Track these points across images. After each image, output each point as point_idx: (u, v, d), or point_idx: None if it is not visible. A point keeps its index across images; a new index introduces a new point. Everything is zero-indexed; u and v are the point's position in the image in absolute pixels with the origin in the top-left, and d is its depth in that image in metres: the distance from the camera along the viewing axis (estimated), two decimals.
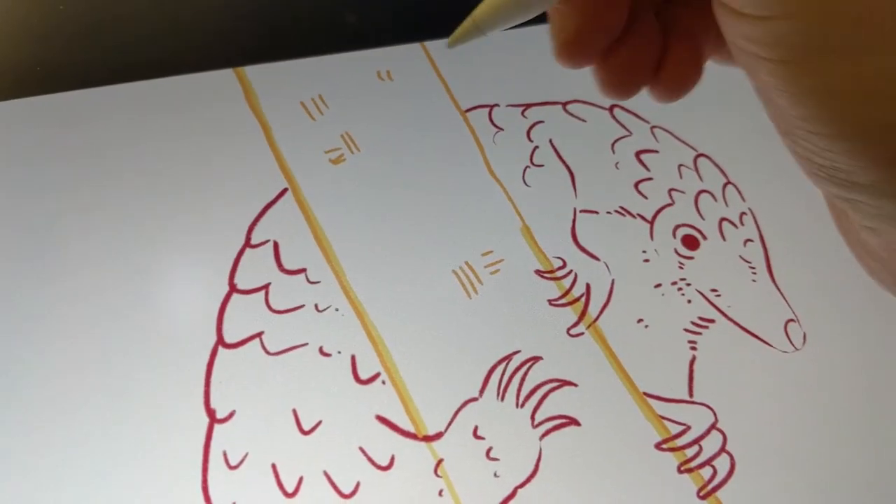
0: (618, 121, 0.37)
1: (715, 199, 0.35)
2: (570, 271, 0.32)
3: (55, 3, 0.36)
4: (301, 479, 0.26)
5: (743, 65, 0.16)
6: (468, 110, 0.36)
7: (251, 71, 0.34)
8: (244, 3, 0.37)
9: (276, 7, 0.37)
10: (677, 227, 0.34)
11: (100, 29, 0.35)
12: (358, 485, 0.26)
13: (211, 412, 0.27)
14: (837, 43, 0.14)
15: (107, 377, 0.27)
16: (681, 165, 0.36)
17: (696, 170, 0.36)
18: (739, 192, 0.36)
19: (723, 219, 0.35)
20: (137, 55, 0.34)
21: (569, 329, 0.31)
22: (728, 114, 0.38)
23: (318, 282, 0.30)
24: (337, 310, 0.29)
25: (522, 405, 0.29)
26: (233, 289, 0.29)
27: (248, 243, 0.30)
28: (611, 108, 0.37)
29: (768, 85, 0.16)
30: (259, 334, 0.28)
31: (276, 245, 0.30)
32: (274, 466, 0.26)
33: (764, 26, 0.15)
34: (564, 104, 0.37)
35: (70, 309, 0.28)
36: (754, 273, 0.34)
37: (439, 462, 0.27)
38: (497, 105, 0.36)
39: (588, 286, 0.32)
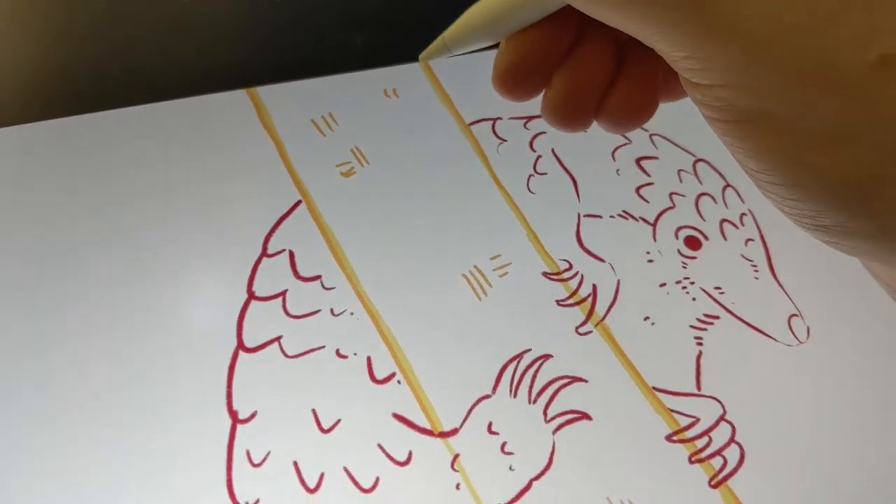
0: None
1: (715, 202, 0.37)
2: (577, 273, 0.33)
3: (71, 26, 0.37)
4: (322, 476, 0.27)
5: (708, 122, 0.17)
6: (472, 123, 0.37)
7: (264, 91, 0.36)
8: (257, 27, 0.39)
9: (287, 31, 0.39)
10: (679, 228, 0.35)
11: (114, 53, 0.37)
12: (377, 480, 0.27)
13: (233, 413, 0.28)
14: (772, 106, 0.15)
15: (132, 383, 0.28)
16: (680, 170, 0.37)
17: (696, 174, 0.37)
18: (739, 194, 0.37)
19: (723, 220, 0.36)
20: (151, 78, 0.36)
21: (577, 328, 0.32)
22: None
23: (332, 288, 0.31)
24: (352, 314, 0.30)
25: (535, 401, 0.30)
26: (251, 296, 0.30)
27: (264, 253, 0.31)
28: None
29: (726, 142, 0.17)
30: (278, 338, 0.29)
31: (291, 254, 0.31)
32: (295, 464, 0.27)
33: (711, 93, 0.16)
34: None
35: (100, 321, 0.29)
36: (756, 270, 0.35)
37: (456, 457, 0.28)
38: (500, 118, 0.37)
39: (594, 287, 0.33)
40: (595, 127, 0.39)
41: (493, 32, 0.19)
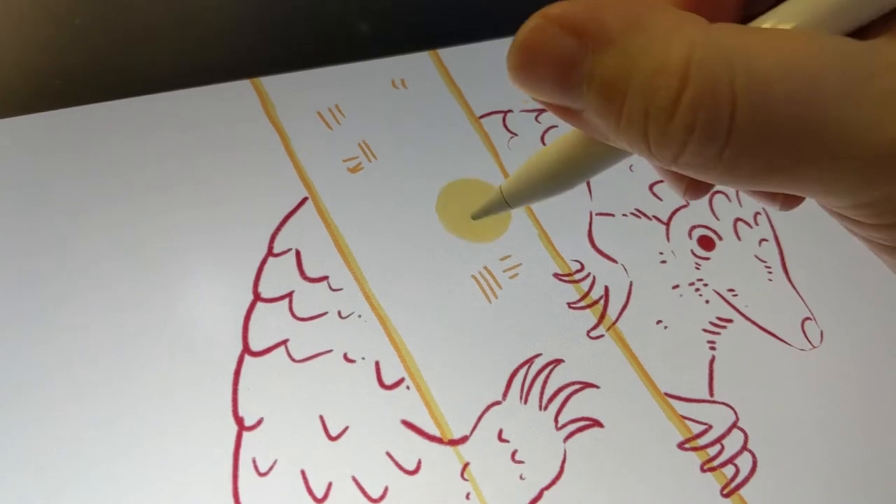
0: None
1: (729, 200, 0.36)
2: (589, 274, 0.33)
3: (71, 17, 0.36)
4: (330, 485, 0.26)
5: (864, 242, 0.17)
6: (482, 116, 0.36)
7: (269, 82, 0.34)
8: (260, 15, 0.38)
9: (292, 19, 0.38)
10: (693, 227, 0.35)
11: (117, 44, 0.35)
12: (386, 489, 0.27)
13: (239, 420, 0.27)
14: None
15: (137, 388, 0.27)
16: None
17: None
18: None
19: (737, 219, 0.35)
20: (154, 69, 0.35)
21: (589, 331, 0.31)
22: None
23: (340, 289, 0.30)
24: (360, 316, 0.30)
25: (546, 408, 0.29)
26: (257, 297, 0.29)
27: (270, 252, 0.30)
28: None
29: (891, 264, 0.17)
30: (284, 342, 0.29)
31: (297, 253, 0.30)
32: (303, 472, 0.26)
33: (884, 231, 0.15)
34: None
35: (99, 322, 0.28)
36: (770, 272, 0.34)
37: (465, 465, 0.27)
38: (511, 111, 0.36)
39: (606, 288, 0.32)
40: None
41: (562, 187, 0.17)
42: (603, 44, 0.14)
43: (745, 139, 0.14)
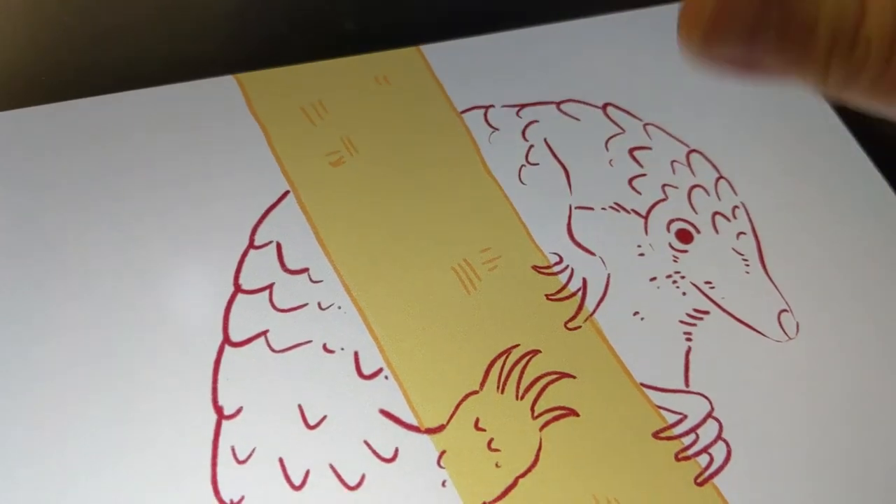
0: (611, 119, 0.38)
1: (707, 194, 0.36)
2: (567, 266, 0.33)
3: (59, 14, 0.36)
4: (308, 472, 0.27)
5: None
6: (464, 111, 0.36)
7: (251, 77, 0.35)
8: (244, 12, 0.38)
9: (274, 15, 0.38)
10: (671, 221, 0.35)
11: (102, 39, 0.36)
12: (363, 477, 0.27)
13: (219, 409, 0.27)
14: None
15: (116, 377, 0.27)
16: (673, 161, 0.37)
17: (689, 165, 0.37)
18: (731, 187, 0.37)
19: (715, 213, 0.36)
20: (139, 64, 0.35)
21: (566, 322, 0.32)
22: (720, 110, 0.39)
23: (320, 281, 0.31)
24: (339, 307, 0.30)
25: (522, 397, 0.30)
26: (238, 289, 0.30)
27: (251, 245, 0.31)
28: (604, 107, 0.38)
29: None
30: (264, 332, 0.29)
31: (278, 246, 0.31)
32: (281, 460, 0.27)
33: None
34: (558, 103, 0.38)
35: (78, 312, 0.28)
36: (747, 265, 0.35)
37: (442, 453, 0.28)
38: (492, 106, 0.37)
39: (584, 280, 0.33)
40: (589, 117, 0.38)
41: None
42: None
43: None
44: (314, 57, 0.36)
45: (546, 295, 0.32)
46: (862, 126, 0.40)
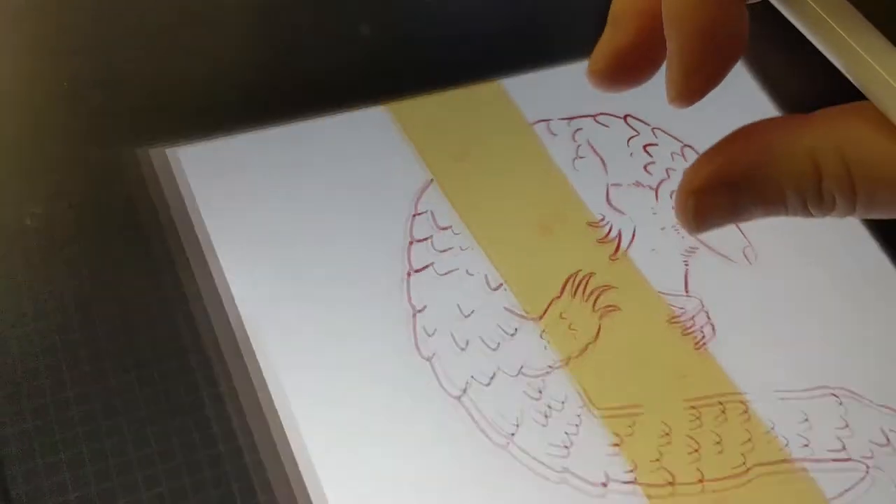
0: (630, 125, 0.57)
1: None
2: (608, 222, 0.52)
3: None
4: (468, 341, 0.46)
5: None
6: (533, 123, 0.55)
7: (402, 105, 0.54)
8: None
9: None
10: (672, 192, 0.54)
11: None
12: (499, 344, 0.46)
13: (413, 306, 0.46)
14: None
15: (361, 287, 0.46)
16: (673, 153, 0.56)
17: (683, 155, 0.56)
18: None
19: None
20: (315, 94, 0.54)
21: (610, 256, 0.51)
22: (706, 117, 0.58)
23: (458, 233, 0.49)
24: (471, 249, 0.49)
25: (587, 300, 0.49)
26: (412, 240, 0.49)
27: (416, 212, 0.50)
28: (625, 117, 0.57)
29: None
30: (431, 264, 0.48)
31: (432, 213, 0.50)
32: (451, 334, 0.46)
33: None
34: (594, 116, 0.57)
35: (338, 255, 0.47)
36: None
37: (542, 331, 0.47)
38: (551, 119, 0.56)
39: (620, 231, 0.52)
40: (615, 124, 0.57)
41: None
42: (748, 181, 0.20)
43: (866, 206, 0.20)
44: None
45: (597, 239, 0.51)
46: None
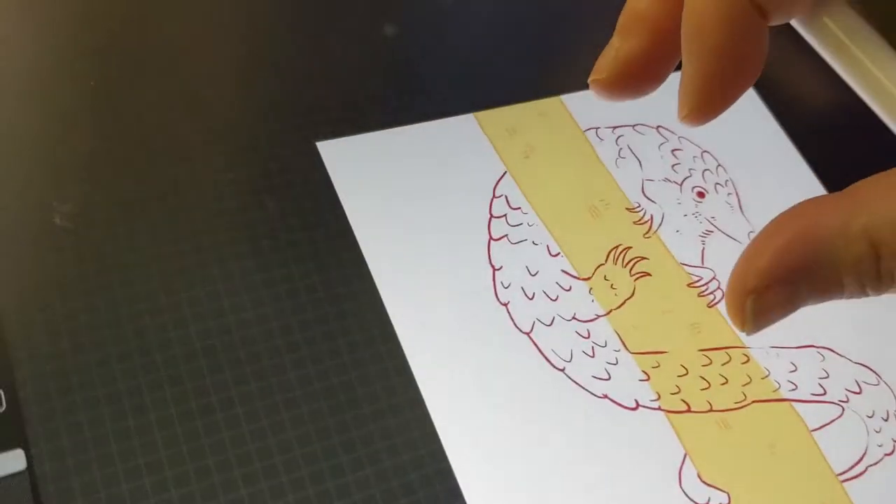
0: (661, 134, 0.71)
1: (712, 173, 0.69)
2: (643, 209, 0.66)
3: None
4: (534, 294, 0.60)
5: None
6: (585, 130, 0.70)
7: (486, 114, 0.68)
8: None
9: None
10: (693, 187, 0.68)
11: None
12: (558, 296, 0.60)
13: (492, 265, 0.61)
14: None
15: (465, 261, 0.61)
16: (693, 156, 0.70)
17: (702, 158, 0.70)
18: (725, 170, 0.70)
19: (716, 183, 0.69)
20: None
21: (643, 234, 0.65)
22: (724, 128, 0.72)
23: (527, 213, 0.64)
24: (536, 226, 0.63)
25: (625, 266, 0.63)
26: (491, 216, 0.63)
27: (494, 196, 0.64)
28: (657, 128, 0.71)
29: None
30: (505, 235, 0.62)
31: (506, 197, 0.64)
32: (522, 288, 0.60)
33: None
34: (633, 126, 0.71)
35: (446, 234, 0.62)
36: (732, 209, 0.68)
37: (590, 289, 0.61)
38: (599, 127, 0.70)
39: (651, 215, 0.66)
40: (649, 133, 0.72)
41: None
42: (805, 273, 0.19)
43: None
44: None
45: (633, 222, 0.65)
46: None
